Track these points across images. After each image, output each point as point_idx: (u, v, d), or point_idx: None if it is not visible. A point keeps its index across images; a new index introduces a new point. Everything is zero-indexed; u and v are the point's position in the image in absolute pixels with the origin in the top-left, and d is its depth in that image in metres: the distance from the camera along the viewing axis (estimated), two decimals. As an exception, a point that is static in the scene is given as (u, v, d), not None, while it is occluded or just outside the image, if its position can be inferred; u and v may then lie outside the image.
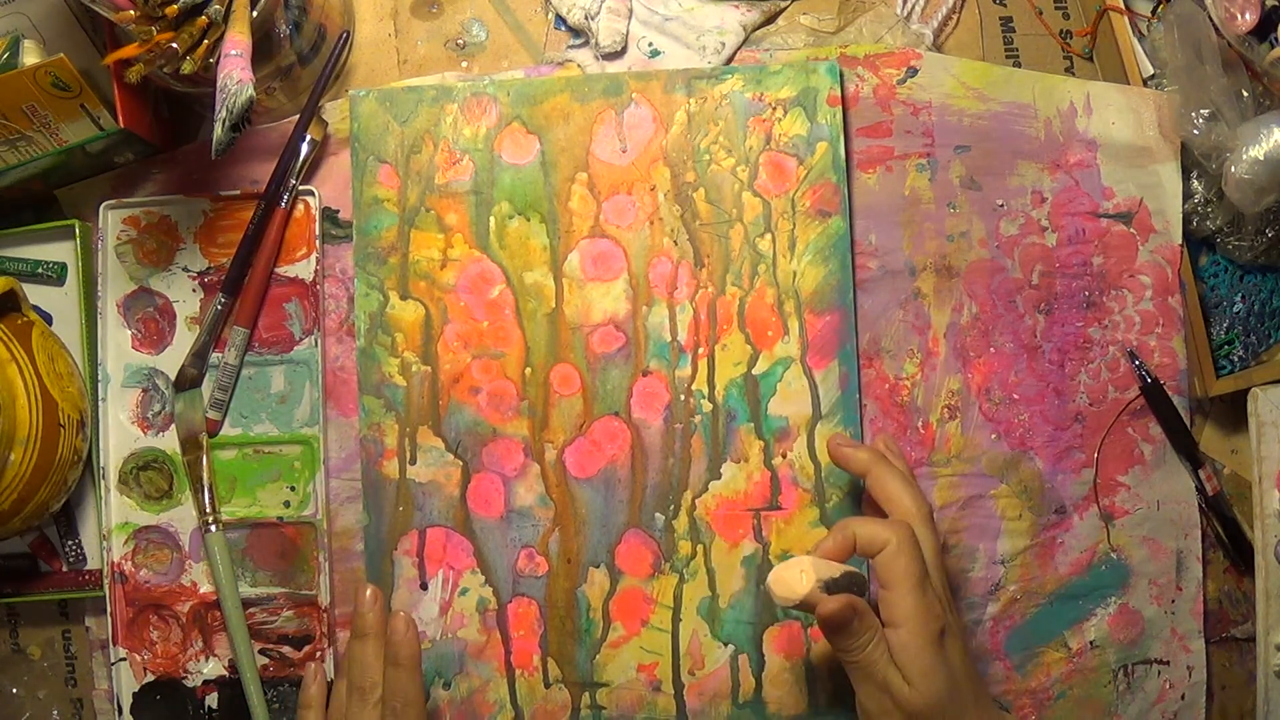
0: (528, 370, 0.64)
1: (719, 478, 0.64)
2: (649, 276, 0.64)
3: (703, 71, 0.65)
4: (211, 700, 0.65)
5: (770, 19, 0.68)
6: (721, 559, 0.63)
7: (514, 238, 0.65)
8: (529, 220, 0.65)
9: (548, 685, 0.63)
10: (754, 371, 0.64)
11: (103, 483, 0.65)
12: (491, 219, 0.65)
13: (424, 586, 0.64)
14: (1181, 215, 0.66)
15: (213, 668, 0.65)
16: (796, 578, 0.52)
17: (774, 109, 0.65)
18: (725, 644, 0.63)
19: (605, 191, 0.65)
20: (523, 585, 0.64)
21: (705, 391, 0.64)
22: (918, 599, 0.52)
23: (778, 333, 0.64)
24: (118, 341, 0.66)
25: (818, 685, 0.63)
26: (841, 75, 0.65)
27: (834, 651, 0.54)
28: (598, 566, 0.64)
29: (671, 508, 0.64)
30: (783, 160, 0.65)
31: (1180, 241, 0.66)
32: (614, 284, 0.65)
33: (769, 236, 0.64)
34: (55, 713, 0.68)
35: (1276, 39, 0.62)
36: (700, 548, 0.63)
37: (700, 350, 0.64)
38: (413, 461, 0.64)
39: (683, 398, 0.64)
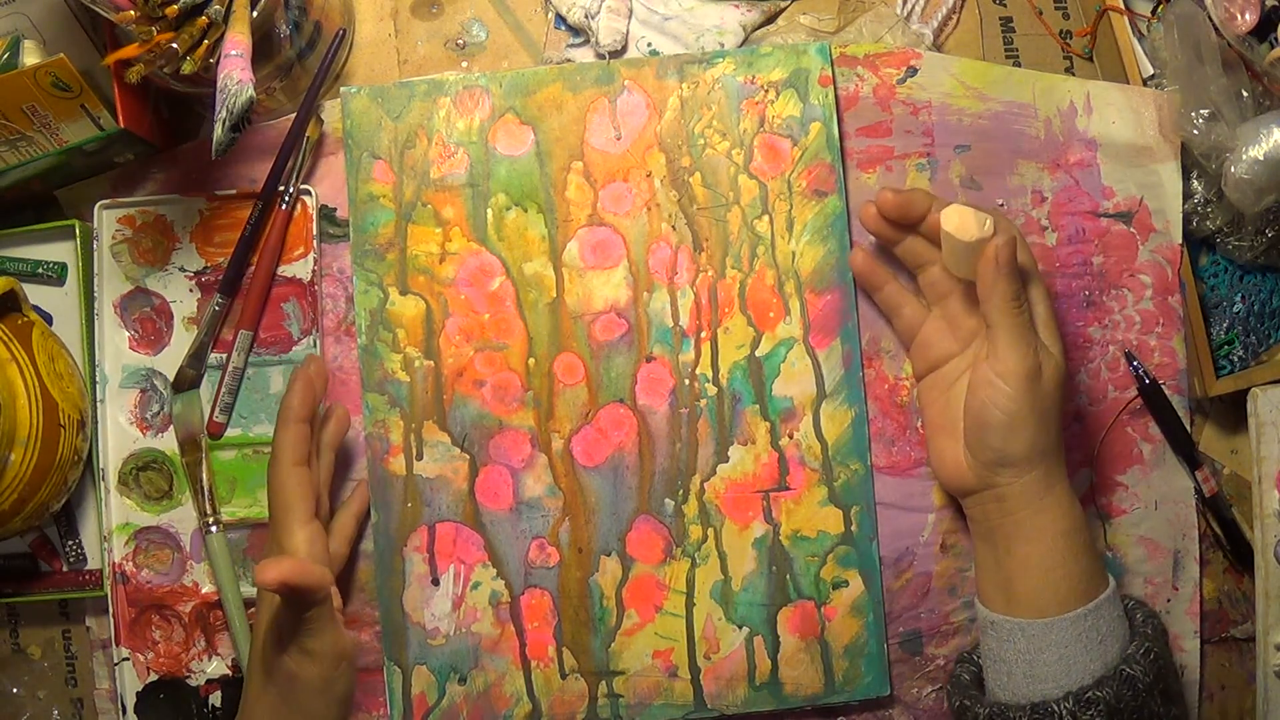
0: (531, 361, 0.64)
1: (727, 461, 0.64)
2: (649, 262, 0.65)
3: (694, 56, 0.65)
4: (215, 699, 0.65)
5: (770, 19, 0.68)
6: (732, 542, 0.64)
7: (512, 229, 0.65)
8: (526, 211, 0.65)
9: (564, 676, 0.64)
10: (757, 353, 0.64)
11: (102, 483, 0.65)
12: (489, 211, 0.65)
13: (435, 582, 0.64)
14: (1181, 215, 0.66)
15: (216, 667, 0.65)
16: (975, 222, 0.54)
17: (766, 91, 0.65)
18: (740, 627, 0.63)
19: (601, 179, 0.65)
20: (535, 576, 0.64)
21: (709, 375, 0.64)
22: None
23: (779, 314, 0.64)
24: (115, 342, 0.66)
25: (833, 664, 0.63)
26: (831, 54, 0.65)
27: (988, 300, 0.55)
28: (609, 554, 0.64)
29: (681, 493, 0.64)
30: (777, 142, 0.65)
31: (1180, 241, 0.66)
32: (614, 271, 0.65)
33: (766, 218, 0.64)
34: (55, 713, 0.68)
35: (1276, 39, 0.62)
36: (711, 531, 0.64)
37: (703, 334, 0.64)
38: (419, 457, 0.64)
39: (687, 382, 0.64)
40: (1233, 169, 0.61)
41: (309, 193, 0.65)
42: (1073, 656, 0.55)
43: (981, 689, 0.59)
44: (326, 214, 0.66)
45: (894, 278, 0.63)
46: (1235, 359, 0.67)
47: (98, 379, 0.65)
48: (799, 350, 0.64)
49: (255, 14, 0.58)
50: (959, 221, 0.55)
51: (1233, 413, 0.66)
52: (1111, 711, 0.53)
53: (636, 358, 0.64)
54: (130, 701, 0.64)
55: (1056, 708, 0.54)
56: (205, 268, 0.66)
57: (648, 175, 0.65)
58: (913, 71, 0.66)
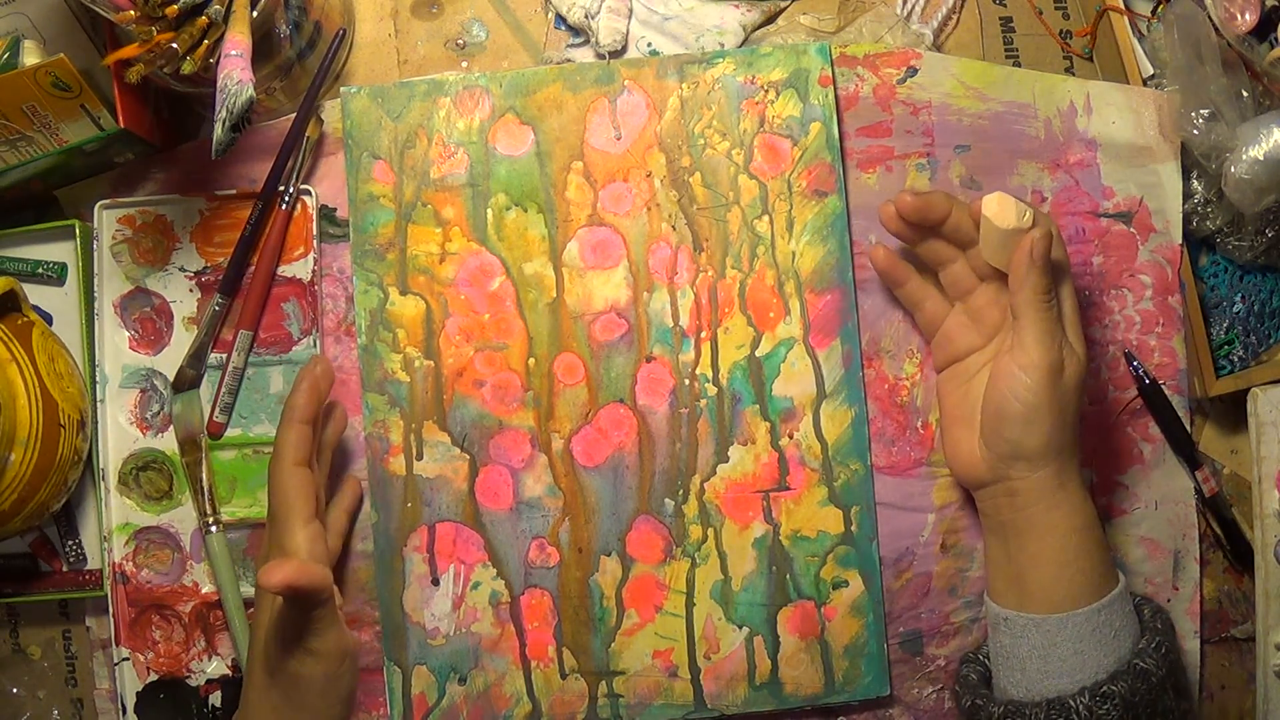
0: (531, 361, 0.64)
1: (727, 461, 0.64)
2: (649, 262, 0.65)
3: (694, 56, 0.65)
4: (215, 699, 0.65)
5: (770, 19, 0.68)
6: (732, 542, 0.64)
7: (512, 229, 0.65)
8: (526, 211, 0.65)
9: (564, 676, 0.64)
10: (757, 353, 0.64)
11: (102, 483, 0.65)
12: (489, 211, 0.65)
13: (435, 582, 0.64)
14: (1181, 215, 0.66)
15: (216, 667, 0.65)
16: (1014, 211, 0.56)
17: (766, 91, 0.65)
18: (740, 627, 0.63)
19: (601, 179, 0.65)
20: (535, 577, 0.64)
21: (709, 375, 0.64)
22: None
23: (779, 314, 0.64)
24: (115, 342, 0.66)
25: (833, 664, 0.63)
26: (831, 54, 0.65)
27: (1018, 291, 0.56)
28: (609, 554, 0.64)
29: (681, 493, 0.64)
30: (777, 142, 0.65)
31: (1180, 241, 0.66)
32: (614, 271, 0.65)
33: (766, 218, 0.64)
34: (55, 713, 0.68)
35: (1276, 39, 0.62)
36: (711, 531, 0.64)
37: (703, 334, 0.64)
38: (419, 457, 0.64)
39: (687, 382, 0.64)
40: (1233, 169, 0.61)
41: (309, 193, 0.65)
42: (1087, 651, 0.55)
43: (990, 689, 0.60)
44: (326, 214, 0.66)
45: (916, 273, 0.63)
46: (1235, 359, 0.67)
47: (98, 379, 0.65)
48: (799, 350, 0.64)
49: (255, 14, 0.58)
50: (998, 209, 0.56)
51: (1233, 413, 0.66)
52: (1127, 705, 0.54)
53: (636, 358, 0.64)
54: (130, 701, 0.64)
55: (1073, 703, 0.54)
56: (205, 268, 0.66)
57: (648, 175, 0.65)
58: (913, 71, 0.66)
